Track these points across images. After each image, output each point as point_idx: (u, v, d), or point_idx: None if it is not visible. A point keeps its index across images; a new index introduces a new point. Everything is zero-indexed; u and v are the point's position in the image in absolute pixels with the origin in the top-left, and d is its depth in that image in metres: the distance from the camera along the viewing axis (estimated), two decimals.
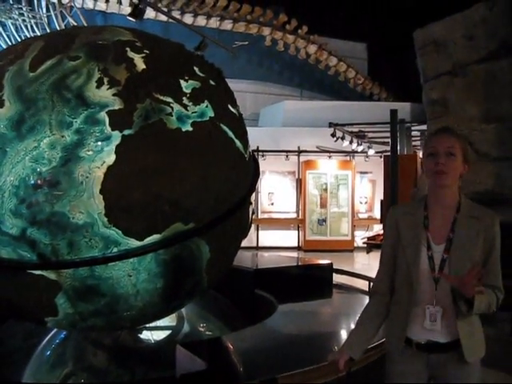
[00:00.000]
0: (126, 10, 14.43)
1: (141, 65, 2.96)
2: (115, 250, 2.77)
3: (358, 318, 2.59)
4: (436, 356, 2.40)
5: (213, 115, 3.06)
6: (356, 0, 20.09)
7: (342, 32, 20.45)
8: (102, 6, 15.97)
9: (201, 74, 3.21)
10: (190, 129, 2.92)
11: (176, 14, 16.49)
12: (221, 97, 3.28)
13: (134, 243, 2.77)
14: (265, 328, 3.73)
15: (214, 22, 17.59)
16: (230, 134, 3.18)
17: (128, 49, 3.02)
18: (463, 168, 2.42)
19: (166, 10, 15.05)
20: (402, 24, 17.34)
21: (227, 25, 18.05)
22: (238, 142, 3.25)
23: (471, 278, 2.20)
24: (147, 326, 3.73)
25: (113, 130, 2.72)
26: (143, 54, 3.03)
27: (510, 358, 5.22)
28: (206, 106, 3.04)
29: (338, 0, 19.83)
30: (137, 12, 7.81)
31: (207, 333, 4.46)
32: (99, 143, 2.69)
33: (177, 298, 3.24)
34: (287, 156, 16.79)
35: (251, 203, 3.50)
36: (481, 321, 2.47)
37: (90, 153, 2.67)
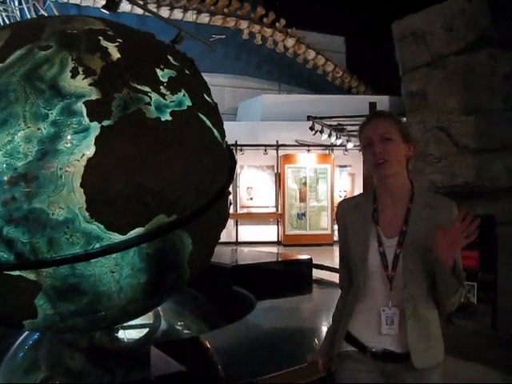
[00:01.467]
0: (101, 2, 14.15)
1: (115, 54, 2.90)
2: (97, 245, 2.69)
3: (331, 316, 2.45)
4: (392, 365, 2.16)
5: (190, 104, 3.02)
6: None
7: (320, 25, 20.41)
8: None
9: (175, 63, 3.17)
10: (169, 118, 2.87)
11: (152, 7, 16.33)
12: (196, 86, 3.25)
13: (117, 238, 2.70)
14: (243, 326, 3.63)
15: (190, 16, 17.49)
16: (208, 123, 3.15)
17: (101, 38, 2.95)
18: (408, 149, 2.22)
19: (141, 2, 14.81)
20: (380, 17, 17.34)
21: (204, 18, 17.92)
22: (215, 131, 3.23)
23: (461, 227, 1.94)
24: (123, 324, 3.63)
25: (91, 120, 2.65)
26: (117, 43, 2.96)
27: (490, 350, 5.17)
28: (184, 95, 3.00)
29: None
30: (111, 4, 7.63)
31: (185, 331, 4.38)
32: (77, 135, 2.61)
33: (159, 292, 3.18)
34: (266, 150, 16.73)
35: (230, 193, 3.49)
36: (440, 322, 2.25)
37: (69, 145, 2.60)
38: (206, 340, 3.33)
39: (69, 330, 3.23)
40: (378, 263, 2.18)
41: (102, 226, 2.67)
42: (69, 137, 2.60)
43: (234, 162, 3.57)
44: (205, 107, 3.20)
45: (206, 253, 3.37)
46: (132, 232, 2.73)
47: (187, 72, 3.22)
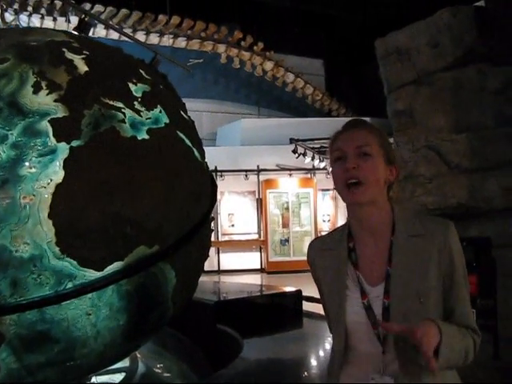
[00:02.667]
0: (62, 26, 14.10)
1: (82, 66, 2.61)
2: (70, 285, 2.36)
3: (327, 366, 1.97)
4: None
5: (168, 121, 2.74)
6: (311, 16, 20.09)
7: (299, 48, 20.54)
8: (49, 24, 15.44)
9: (148, 77, 2.89)
10: (147, 137, 2.58)
11: (128, 31, 16.12)
12: (172, 102, 2.99)
13: (93, 275, 2.39)
14: (233, 372, 3.24)
15: (167, 40, 17.34)
16: (187, 141, 2.87)
17: (65, 50, 2.66)
18: (389, 172, 1.77)
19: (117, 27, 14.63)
20: (358, 39, 17.34)
21: (181, 42, 17.85)
22: (195, 151, 2.94)
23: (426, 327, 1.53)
24: None
25: (58, 141, 2.35)
26: (83, 55, 2.67)
27: None
28: (160, 112, 2.72)
29: (293, 16, 19.82)
30: (82, 26, 7.21)
31: (165, 374, 4.01)
32: (43, 158, 2.31)
33: (141, 334, 2.85)
34: (246, 175, 16.56)
35: (213, 218, 3.23)
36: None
37: (33, 170, 2.29)
38: None
39: None
40: (364, 320, 1.69)
41: (74, 262, 2.35)
42: (33, 160, 2.30)
43: (215, 186, 3.29)
44: (183, 125, 2.93)
45: (190, 286, 3.08)
46: (109, 267, 2.43)
47: (161, 87, 2.96)
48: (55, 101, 2.43)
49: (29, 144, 2.32)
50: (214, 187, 3.26)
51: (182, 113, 3.03)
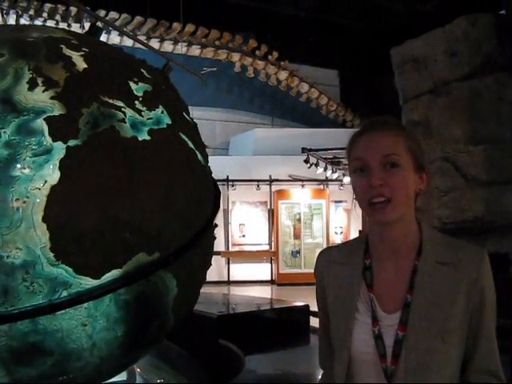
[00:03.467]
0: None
1: (81, 63, 2.49)
2: (65, 293, 2.23)
3: None
4: None
5: (170, 122, 2.61)
6: (326, 26, 20.03)
7: (313, 58, 20.46)
8: None
9: (150, 77, 2.76)
10: (148, 137, 2.45)
11: (142, 39, 16.13)
12: (175, 102, 2.85)
13: (89, 283, 2.25)
14: None
15: (181, 48, 17.35)
16: (190, 144, 2.73)
17: (63, 46, 2.54)
18: (419, 182, 1.55)
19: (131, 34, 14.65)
20: (373, 49, 17.21)
21: (195, 50, 17.82)
22: (198, 154, 2.80)
23: None
24: None
25: (54, 140, 2.22)
26: (82, 52, 2.55)
27: None
28: (162, 112, 2.60)
29: (308, 26, 19.75)
30: (93, 30, 7.09)
31: None
32: (37, 158, 2.19)
33: (139, 346, 2.70)
34: (258, 185, 16.41)
35: (216, 225, 3.04)
36: None
37: (27, 171, 2.17)
38: None
39: None
40: (372, 350, 1.49)
41: (70, 270, 2.21)
42: (26, 160, 2.18)
43: (219, 191, 3.14)
44: (185, 126, 2.80)
45: (192, 296, 2.92)
46: (107, 275, 2.29)
47: (163, 87, 2.83)
48: (52, 98, 2.31)
49: (23, 143, 2.20)
50: (218, 192, 3.14)
51: (184, 114, 2.90)
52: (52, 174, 2.19)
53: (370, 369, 1.49)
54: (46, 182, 2.17)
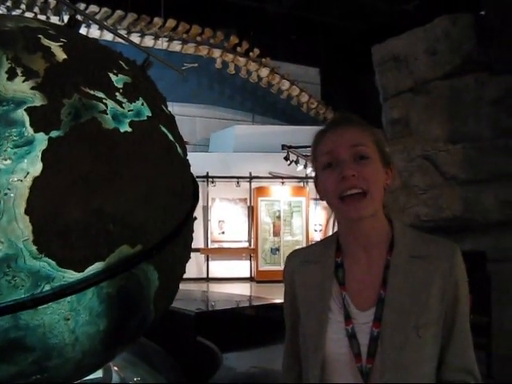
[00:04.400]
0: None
1: (60, 54, 2.47)
2: (47, 287, 2.19)
3: None
4: None
5: (150, 114, 2.62)
6: (308, 24, 20.03)
7: (295, 56, 20.50)
8: None
9: (128, 69, 2.77)
10: (129, 129, 2.46)
11: (122, 33, 15.98)
12: (153, 94, 2.86)
13: (72, 276, 2.23)
14: None
15: (162, 43, 17.22)
16: (170, 136, 2.75)
17: (41, 36, 2.52)
18: (386, 176, 1.53)
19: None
20: (354, 48, 17.24)
21: (176, 46, 17.68)
22: (178, 147, 2.82)
23: None
24: None
25: (36, 131, 2.20)
26: (60, 43, 2.53)
27: None
28: (142, 104, 2.61)
29: (290, 23, 19.75)
30: (72, 23, 7.01)
31: None
32: (19, 149, 2.16)
33: (121, 341, 2.69)
34: (238, 182, 16.33)
35: (195, 218, 3.06)
36: None
37: (8, 162, 2.14)
38: None
39: None
40: (345, 350, 1.44)
41: (53, 263, 2.18)
42: (7, 151, 2.15)
43: (197, 184, 3.17)
44: (164, 119, 2.81)
45: (172, 289, 2.93)
46: (90, 268, 2.27)
47: (141, 79, 2.83)
48: (32, 88, 2.29)
49: (3, 134, 2.17)
50: (196, 185, 3.15)
51: (163, 106, 2.90)
52: (34, 166, 2.16)
53: (345, 369, 1.45)
54: (28, 173, 2.14)
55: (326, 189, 1.51)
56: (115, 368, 3.74)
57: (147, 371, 4.19)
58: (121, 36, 11.67)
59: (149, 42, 16.96)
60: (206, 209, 16.11)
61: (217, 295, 6.33)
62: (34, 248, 2.14)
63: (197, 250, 15.19)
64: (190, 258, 3.10)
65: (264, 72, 19.21)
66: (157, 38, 17.13)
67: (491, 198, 6.13)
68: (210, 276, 15.98)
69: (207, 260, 16.13)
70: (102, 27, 13.70)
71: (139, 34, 16.85)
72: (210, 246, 16.24)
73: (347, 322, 1.46)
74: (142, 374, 4.09)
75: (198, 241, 15.37)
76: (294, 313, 1.62)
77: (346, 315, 1.47)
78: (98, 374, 3.47)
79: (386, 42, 7.39)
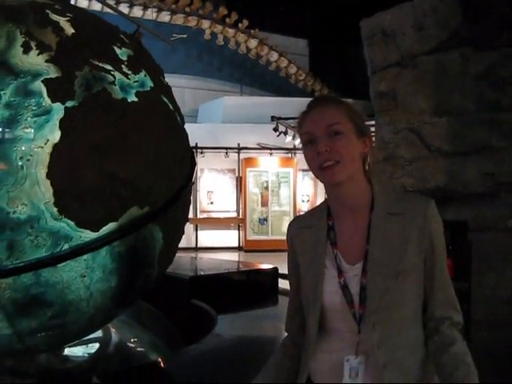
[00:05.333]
0: None
1: (69, 28, 2.58)
2: (66, 246, 2.34)
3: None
4: None
5: (152, 85, 2.76)
6: None
7: (284, 27, 20.39)
8: None
9: (129, 42, 2.89)
10: (135, 99, 2.60)
11: (111, 3, 15.82)
12: (153, 66, 2.99)
13: (88, 235, 2.39)
14: (205, 347, 3.23)
15: (150, 14, 17.05)
16: (171, 106, 2.91)
17: (49, 11, 2.61)
18: (363, 145, 1.72)
19: None
20: (343, 20, 17.22)
21: (165, 16, 17.56)
22: (178, 116, 2.99)
23: None
24: None
25: (53, 101, 2.32)
26: (67, 18, 2.63)
27: None
28: (145, 76, 2.74)
29: None
30: None
31: (138, 349, 3.98)
32: (38, 118, 2.29)
33: (128, 297, 2.87)
34: (227, 153, 16.49)
35: (193, 182, 3.26)
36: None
37: (29, 130, 2.27)
38: (162, 367, 2.98)
39: (25, 352, 2.82)
40: (340, 299, 1.66)
41: (72, 223, 2.32)
42: (28, 120, 2.27)
43: (192, 151, 3.33)
44: (164, 89, 2.96)
45: (173, 249, 3.10)
46: (104, 228, 2.42)
47: (142, 52, 2.98)
48: (46, 61, 2.40)
49: (23, 104, 2.29)
50: (192, 152, 3.31)
51: (161, 78, 3.05)
52: (53, 133, 2.29)
53: (341, 316, 1.67)
54: (48, 140, 2.27)
55: (308, 162, 1.71)
56: (113, 330, 3.88)
57: (144, 332, 4.34)
58: (109, 6, 11.64)
59: (137, 12, 16.83)
60: (195, 179, 16.18)
61: (207, 262, 6.46)
62: (54, 210, 2.28)
63: None
64: (187, 220, 3.28)
65: (253, 43, 19.17)
66: (145, 8, 17.01)
67: (474, 170, 6.26)
68: (199, 246, 16.19)
69: (196, 230, 16.36)
70: None
71: (128, 5, 16.70)
72: (198, 216, 16.44)
73: (340, 275, 1.67)
74: (138, 334, 4.24)
75: (188, 215, 15.41)
76: (297, 274, 1.82)
77: (339, 270, 1.68)
78: (98, 333, 3.59)
79: (374, 16, 7.43)
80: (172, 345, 3.80)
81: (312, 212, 1.91)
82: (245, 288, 4.50)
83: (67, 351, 3.40)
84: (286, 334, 1.96)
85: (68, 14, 2.67)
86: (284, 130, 13.70)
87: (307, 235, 1.79)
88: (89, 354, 3.54)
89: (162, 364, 3.05)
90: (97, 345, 3.60)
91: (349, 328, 1.67)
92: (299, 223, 1.88)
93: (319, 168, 1.67)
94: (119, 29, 3.11)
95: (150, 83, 2.76)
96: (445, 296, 1.71)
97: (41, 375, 3.20)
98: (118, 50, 2.71)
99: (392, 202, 1.72)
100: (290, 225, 1.90)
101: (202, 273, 4.79)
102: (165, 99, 2.88)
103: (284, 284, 5.01)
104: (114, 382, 2.79)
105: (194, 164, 3.22)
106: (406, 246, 1.64)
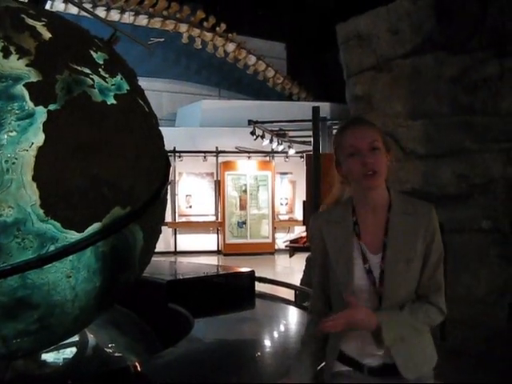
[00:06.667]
0: None
1: (46, 33, 2.61)
2: (52, 247, 2.38)
3: (302, 337, 2.34)
4: (393, 379, 2.08)
5: (128, 88, 2.83)
6: None
7: (261, 31, 20.39)
8: None
9: (103, 46, 2.95)
10: (114, 102, 2.67)
11: (87, 7, 15.76)
12: (127, 70, 3.05)
13: (74, 236, 2.43)
14: (180, 351, 3.22)
15: (128, 17, 17.02)
16: (146, 108, 3.00)
17: (24, 16, 2.63)
18: (388, 159, 2.13)
19: (76, 1, 14.28)
20: (321, 24, 17.31)
21: (142, 20, 17.50)
22: (153, 118, 3.09)
23: (356, 308, 1.97)
24: None
25: (36, 105, 2.36)
26: (43, 22, 2.67)
27: (441, 363, 4.95)
28: (121, 79, 2.81)
29: None
30: None
31: (115, 353, 3.96)
32: (22, 121, 2.32)
33: (111, 297, 2.93)
34: (205, 157, 16.47)
35: (170, 182, 3.22)
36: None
37: (13, 134, 2.29)
38: (139, 370, 2.95)
39: (9, 356, 2.81)
40: (365, 281, 2.08)
41: (58, 225, 2.37)
42: (12, 124, 2.29)
43: (167, 152, 3.42)
44: (139, 92, 3.04)
45: (152, 249, 3.16)
46: (89, 228, 2.47)
47: (116, 56, 3.04)
48: (27, 65, 2.42)
49: (6, 108, 2.31)
50: (166, 152, 3.38)
51: (135, 81, 3.10)
52: (37, 136, 2.32)
53: (366, 294, 2.06)
54: (32, 143, 2.30)
55: (352, 170, 2.07)
56: (91, 336, 3.87)
57: (120, 336, 4.33)
58: (86, 10, 11.59)
59: (115, 16, 16.75)
60: (173, 183, 16.14)
61: (185, 265, 6.44)
62: (41, 211, 2.31)
63: (164, 224, 15.07)
64: (164, 219, 3.36)
65: (230, 47, 19.20)
66: (123, 12, 16.96)
67: (448, 172, 6.39)
68: (178, 250, 16.13)
69: (175, 234, 16.27)
70: (66, 1, 13.50)
71: (105, 8, 16.63)
72: (177, 220, 16.36)
73: (365, 262, 2.07)
74: (115, 338, 4.23)
75: (165, 215, 15.38)
76: (324, 258, 2.18)
77: (364, 258, 2.08)
78: (75, 338, 3.58)
79: (350, 20, 7.54)
80: (150, 349, 3.79)
81: (335, 209, 2.25)
82: (222, 291, 4.49)
83: (44, 356, 3.38)
84: (309, 315, 2.36)
85: (43, 19, 2.69)
86: (261, 134, 13.72)
87: (336, 228, 2.16)
88: (65, 358, 3.54)
89: (138, 367, 3.05)
90: (74, 349, 3.59)
91: (372, 304, 2.04)
92: (326, 217, 2.23)
93: (362, 176, 2.03)
94: (90, 33, 3.14)
95: (126, 86, 2.81)
96: (427, 279, 2.09)
97: (17, 382, 3.19)
98: (94, 54, 2.76)
99: (405, 204, 2.12)
100: (315, 217, 2.28)
101: (180, 277, 4.78)
102: (140, 101, 2.94)
103: (260, 287, 5.04)
104: None
105: (169, 164, 3.28)
106: (415, 239, 2.06)
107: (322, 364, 2.27)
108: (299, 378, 2.18)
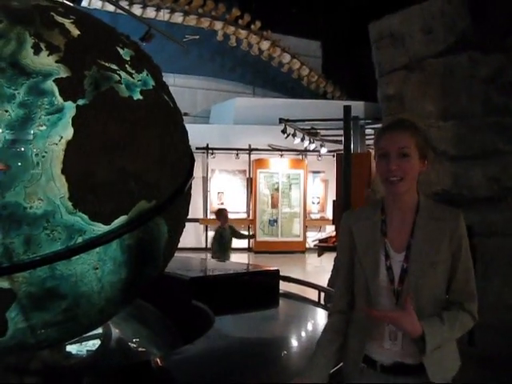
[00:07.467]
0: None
1: (74, 30, 2.67)
2: (80, 239, 2.43)
3: (318, 339, 2.33)
4: (403, 378, 2.12)
5: (154, 84, 2.87)
6: None
7: (296, 29, 20.36)
8: None
9: (129, 43, 3.00)
10: (140, 97, 2.71)
11: (124, 4, 15.94)
12: (152, 66, 3.09)
13: (101, 229, 2.48)
14: (198, 348, 3.24)
15: (163, 15, 17.11)
16: (171, 103, 3.04)
17: (53, 14, 2.70)
18: (422, 165, 2.13)
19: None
20: (357, 21, 17.19)
21: (178, 18, 17.66)
22: (178, 113, 3.13)
23: (407, 313, 1.99)
24: None
25: (65, 100, 2.42)
26: (71, 20, 2.72)
27: (468, 370, 4.87)
28: (147, 75, 2.85)
29: None
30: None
31: (139, 343, 4.01)
32: (51, 116, 2.38)
33: (135, 290, 2.97)
34: (238, 154, 16.53)
35: (194, 177, 3.34)
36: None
37: (43, 128, 2.35)
38: (160, 364, 3.02)
39: (37, 346, 2.85)
40: (385, 277, 2.13)
41: (85, 217, 2.42)
42: (42, 119, 2.36)
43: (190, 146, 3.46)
44: (164, 88, 3.07)
45: (176, 242, 3.18)
46: (116, 221, 2.53)
47: (142, 52, 3.07)
48: (56, 62, 2.48)
49: (36, 103, 2.37)
50: (190, 147, 3.42)
51: (160, 77, 3.13)
52: (66, 131, 2.38)
53: (385, 290, 2.12)
54: (61, 137, 2.36)
55: (379, 172, 2.13)
56: (114, 329, 3.91)
57: (144, 331, 4.37)
58: (122, 8, 11.73)
59: (150, 13, 16.92)
60: (205, 180, 16.25)
61: (213, 263, 6.48)
62: (69, 204, 2.37)
63: (196, 221, 15.38)
64: (188, 214, 3.36)
65: (265, 45, 19.25)
66: (158, 9, 17.10)
67: (479, 174, 6.27)
68: (209, 246, 16.17)
69: (206, 230, 16.25)
70: None
71: (141, 6, 16.82)
72: (209, 217, 16.40)
73: (387, 259, 2.13)
74: (139, 332, 4.27)
75: (197, 211, 15.49)
76: (351, 253, 2.24)
77: (386, 255, 2.13)
78: (98, 330, 3.61)
79: (383, 19, 7.46)
80: (170, 344, 3.82)
81: (366, 208, 2.37)
82: (246, 290, 4.48)
83: (68, 347, 3.42)
84: (330, 314, 2.38)
85: (71, 16, 2.76)
86: (292, 132, 13.69)
87: (365, 224, 2.23)
88: (89, 350, 3.58)
89: (158, 362, 3.08)
90: (97, 341, 3.63)
91: (389, 300, 2.11)
92: (357, 215, 2.32)
93: (386, 180, 2.09)
94: (117, 30, 3.20)
95: (151, 82, 2.85)
96: (461, 286, 2.14)
97: (42, 372, 3.25)
98: (121, 51, 2.80)
99: (432, 208, 2.16)
100: (346, 215, 2.35)
101: (204, 274, 4.80)
102: (165, 97, 2.98)
103: (285, 286, 5.03)
104: (110, 379, 2.83)
105: (193, 159, 3.31)
106: (441, 244, 2.10)
107: (338, 366, 2.31)
108: (312, 378, 2.20)
